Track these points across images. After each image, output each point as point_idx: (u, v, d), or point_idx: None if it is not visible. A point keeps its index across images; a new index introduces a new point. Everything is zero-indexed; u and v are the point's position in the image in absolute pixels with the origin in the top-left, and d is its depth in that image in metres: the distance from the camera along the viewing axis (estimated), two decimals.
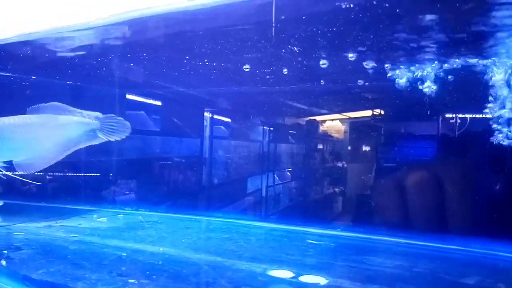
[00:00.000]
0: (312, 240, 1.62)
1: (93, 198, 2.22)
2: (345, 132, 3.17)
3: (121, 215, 2.02)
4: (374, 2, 1.22)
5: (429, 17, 1.31)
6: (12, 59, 1.84)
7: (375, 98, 2.64)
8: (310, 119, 3.17)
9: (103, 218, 1.92)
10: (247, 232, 1.84)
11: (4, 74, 1.99)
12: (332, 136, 3.20)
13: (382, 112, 2.72)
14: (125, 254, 1.37)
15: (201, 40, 1.55)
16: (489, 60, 1.61)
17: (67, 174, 2.26)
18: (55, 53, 1.71)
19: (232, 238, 1.63)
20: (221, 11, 1.24)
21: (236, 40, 1.54)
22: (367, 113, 2.85)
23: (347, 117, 3.19)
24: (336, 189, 3.25)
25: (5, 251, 1.37)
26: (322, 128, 3.18)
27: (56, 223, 1.77)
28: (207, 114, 2.90)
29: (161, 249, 1.44)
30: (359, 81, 2.12)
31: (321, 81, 2.13)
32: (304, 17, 1.32)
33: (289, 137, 3.24)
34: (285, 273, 1.21)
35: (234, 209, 2.82)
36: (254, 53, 1.68)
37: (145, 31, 1.45)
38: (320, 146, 3.22)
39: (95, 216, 1.97)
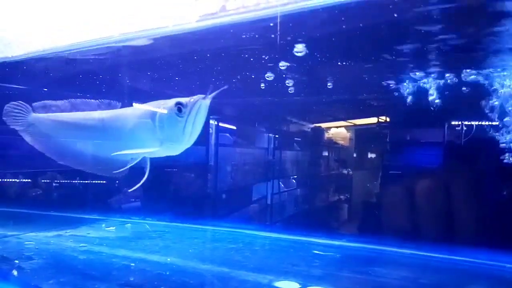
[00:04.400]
0: (318, 251, 1.62)
1: (101, 206, 2.24)
2: (350, 139, 3.17)
3: (129, 224, 2.05)
4: (378, 12, 1.24)
5: (434, 27, 1.32)
6: (23, 74, 1.88)
7: (380, 105, 2.63)
8: (315, 126, 3.17)
9: (111, 228, 1.95)
10: (253, 241, 1.85)
11: (14, 86, 2.03)
12: (337, 143, 3.19)
13: (388, 119, 2.71)
14: (133, 264, 1.39)
15: (209, 57, 1.58)
16: (497, 69, 1.62)
17: (74, 182, 2.29)
18: (67, 68, 1.75)
19: (238, 248, 1.64)
20: (227, 31, 1.27)
21: (243, 56, 1.56)
22: (373, 120, 2.84)
23: (352, 124, 3.18)
24: (342, 197, 3.24)
25: (17, 261, 1.39)
26: (327, 135, 3.18)
27: (66, 232, 1.80)
28: (212, 122, 2.91)
29: (168, 259, 1.46)
30: (365, 89, 2.13)
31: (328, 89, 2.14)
32: (308, 33, 1.34)
33: (295, 144, 3.24)
34: (291, 285, 1.22)
35: (240, 217, 2.82)
36: (260, 64, 1.70)
37: (153, 50, 1.48)
38: (325, 153, 3.21)
39: (103, 225, 1.99)
